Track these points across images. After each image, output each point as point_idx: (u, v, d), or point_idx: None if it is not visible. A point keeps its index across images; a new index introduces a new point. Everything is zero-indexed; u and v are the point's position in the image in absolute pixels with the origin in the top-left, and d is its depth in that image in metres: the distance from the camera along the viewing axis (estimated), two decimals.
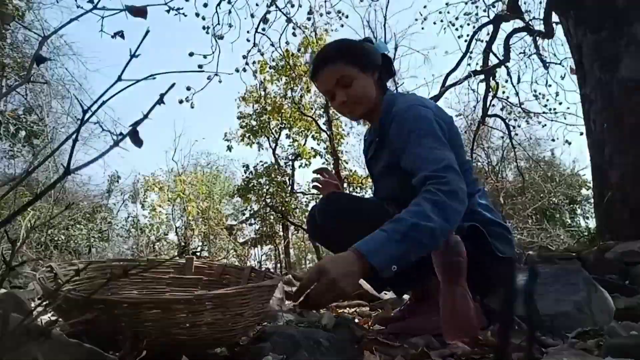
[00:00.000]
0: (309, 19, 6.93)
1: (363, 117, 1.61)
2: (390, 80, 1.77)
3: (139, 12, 0.66)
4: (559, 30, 5.40)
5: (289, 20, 6.16)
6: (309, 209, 1.77)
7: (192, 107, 5.85)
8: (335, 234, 1.46)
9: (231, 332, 1.00)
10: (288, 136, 12.08)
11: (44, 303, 0.76)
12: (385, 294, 2.59)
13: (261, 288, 1.05)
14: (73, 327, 0.92)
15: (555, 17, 5.30)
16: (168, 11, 4.89)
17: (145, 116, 0.54)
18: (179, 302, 0.91)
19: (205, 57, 5.46)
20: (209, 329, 0.95)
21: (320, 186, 1.79)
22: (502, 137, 9.81)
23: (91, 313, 0.88)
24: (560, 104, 7.30)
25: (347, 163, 12.03)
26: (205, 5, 5.77)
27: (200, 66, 5.29)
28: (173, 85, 0.56)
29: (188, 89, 5.68)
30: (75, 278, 1.17)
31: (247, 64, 6.41)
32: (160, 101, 0.56)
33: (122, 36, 0.70)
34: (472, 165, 1.56)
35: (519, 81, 7.07)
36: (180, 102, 5.79)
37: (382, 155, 1.55)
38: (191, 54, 5.50)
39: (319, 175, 1.81)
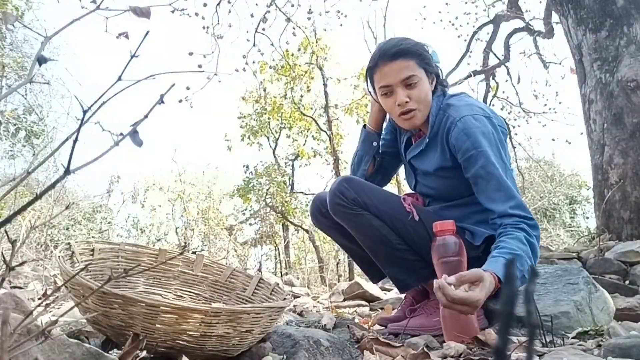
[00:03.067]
0: (309, 18, 6.93)
1: (419, 125, 1.50)
2: None
3: (143, 13, 0.66)
4: (559, 30, 5.40)
5: (288, 20, 6.15)
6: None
7: (192, 107, 5.85)
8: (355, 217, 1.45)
9: (237, 347, 1.01)
10: (288, 136, 12.08)
11: (62, 284, 0.76)
12: (386, 293, 2.59)
13: (273, 308, 1.04)
14: (86, 312, 0.93)
15: (555, 17, 5.30)
16: (173, 12, 4.89)
17: (145, 116, 0.54)
18: (196, 312, 0.91)
19: (205, 56, 5.46)
20: (217, 341, 0.95)
21: None
22: None
23: (108, 305, 0.88)
24: (560, 103, 7.30)
25: (347, 163, 12.02)
26: (205, 5, 5.77)
27: (200, 66, 5.29)
28: (173, 85, 0.56)
29: (188, 88, 5.68)
30: (89, 259, 1.18)
31: (246, 63, 6.41)
32: (160, 101, 0.56)
33: (127, 37, 0.70)
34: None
35: (518, 81, 7.07)
36: (180, 101, 5.79)
37: (431, 155, 1.50)
38: (191, 54, 5.50)
39: None
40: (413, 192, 1.65)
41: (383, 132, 1.73)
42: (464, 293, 1.08)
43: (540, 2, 6.31)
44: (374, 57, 1.47)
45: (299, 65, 10.30)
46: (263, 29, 6.27)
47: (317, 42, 9.37)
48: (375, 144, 1.69)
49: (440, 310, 1.24)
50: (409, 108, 1.43)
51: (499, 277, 1.15)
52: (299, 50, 9.82)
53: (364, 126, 1.71)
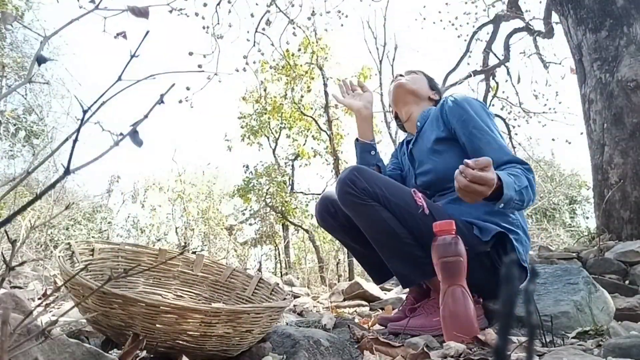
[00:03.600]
0: (309, 18, 6.93)
1: (400, 94, 1.79)
2: None
3: (142, 12, 0.66)
4: (559, 30, 5.40)
5: (291, 22, 6.14)
6: (313, 205, 1.79)
7: (192, 107, 5.85)
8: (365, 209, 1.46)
9: (237, 347, 1.00)
10: (288, 136, 12.08)
11: (61, 284, 0.76)
12: (386, 293, 2.59)
13: (273, 309, 1.04)
14: (86, 312, 0.93)
15: (555, 17, 5.30)
16: (170, 11, 4.89)
17: (145, 116, 0.54)
18: (196, 312, 0.91)
19: (205, 56, 5.46)
20: (217, 341, 0.95)
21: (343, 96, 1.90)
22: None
23: (108, 305, 0.88)
24: (560, 103, 7.30)
25: (347, 163, 12.02)
26: (205, 5, 5.77)
27: (199, 66, 5.29)
28: (173, 85, 0.56)
29: (188, 89, 5.68)
30: (89, 258, 1.18)
31: (247, 63, 6.41)
32: (160, 101, 0.56)
33: (125, 37, 0.70)
34: None
35: (518, 81, 7.07)
36: (180, 101, 5.79)
37: (426, 135, 1.67)
38: (191, 54, 5.50)
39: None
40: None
41: (389, 167, 1.86)
42: (481, 172, 1.19)
43: (540, 2, 6.31)
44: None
45: (300, 65, 10.30)
46: (263, 29, 6.27)
47: (317, 42, 9.37)
48: (373, 152, 1.76)
49: (440, 310, 1.24)
50: (401, 79, 1.81)
51: (499, 177, 1.26)
52: (299, 50, 9.81)
53: (357, 140, 1.82)
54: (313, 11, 6.50)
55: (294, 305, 2.09)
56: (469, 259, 1.27)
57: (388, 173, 1.79)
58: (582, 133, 3.94)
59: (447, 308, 1.22)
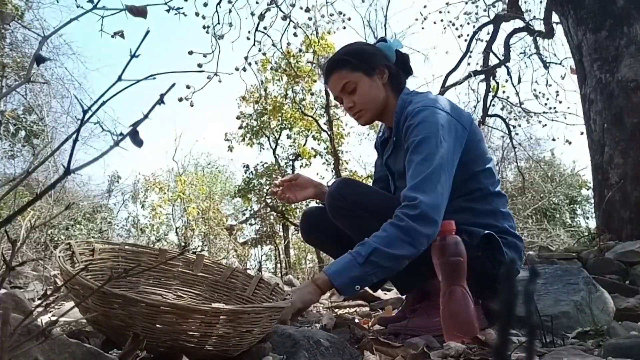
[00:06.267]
0: (310, 18, 6.92)
1: (372, 122, 1.60)
2: None
3: (139, 12, 0.66)
4: (559, 30, 5.40)
5: (285, 18, 6.13)
6: (313, 205, 1.76)
7: (192, 106, 5.84)
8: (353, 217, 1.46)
9: (237, 347, 1.00)
10: (289, 136, 12.08)
11: (62, 284, 0.76)
12: (386, 293, 2.59)
13: (273, 309, 1.04)
14: (86, 312, 0.93)
15: (555, 17, 5.30)
16: (168, 11, 4.89)
17: (146, 116, 0.54)
18: (196, 312, 0.91)
19: (205, 56, 5.46)
20: (217, 341, 0.95)
21: (279, 192, 1.69)
22: (502, 137, 9.79)
23: (108, 305, 0.88)
24: (560, 102, 7.29)
25: (347, 163, 12.03)
26: (206, 4, 5.77)
27: (199, 65, 5.29)
28: (173, 85, 0.56)
29: (188, 87, 5.68)
30: (89, 259, 1.18)
31: (249, 64, 6.40)
32: (160, 101, 0.56)
33: (122, 36, 0.70)
34: (492, 160, 1.56)
35: (519, 81, 7.07)
36: (180, 100, 5.78)
37: (400, 154, 1.52)
38: (190, 53, 5.50)
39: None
40: None
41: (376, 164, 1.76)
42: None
43: (541, 2, 6.31)
44: (323, 77, 1.63)
45: (301, 66, 10.30)
46: (265, 27, 6.27)
47: (318, 42, 9.37)
48: None
49: (440, 310, 1.24)
50: (355, 111, 1.54)
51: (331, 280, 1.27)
52: (300, 51, 9.81)
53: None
54: (307, 7, 6.48)
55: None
56: None
57: (378, 175, 1.75)
58: (582, 133, 3.94)
59: (447, 308, 1.22)
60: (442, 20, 7.35)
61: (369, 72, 1.51)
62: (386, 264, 1.28)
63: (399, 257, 1.28)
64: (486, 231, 1.39)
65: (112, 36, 0.69)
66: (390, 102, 1.54)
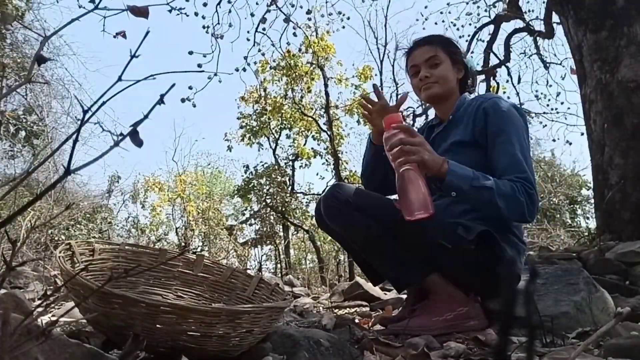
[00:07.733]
0: (309, 19, 6.93)
1: (434, 100, 1.70)
2: None
3: (141, 12, 0.66)
4: (559, 30, 5.41)
5: (287, 20, 6.14)
6: (313, 205, 1.77)
7: (194, 107, 5.85)
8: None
9: (237, 347, 1.00)
10: (288, 136, 12.07)
11: (62, 284, 0.76)
12: (386, 294, 2.59)
13: (273, 309, 1.04)
14: (86, 312, 0.93)
15: (555, 17, 5.30)
16: (170, 11, 4.89)
17: (146, 116, 0.54)
18: (196, 312, 0.91)
19: (204, 56, 5.46)
20: (217, 341, 0.95)
21: (369, 112, 1.76)
22: None
23: (108, 305, 0.88)
24: (562, 103, 7.30)
25: (347, 163, 12.02)
26: (205, 4, 5.77)
27: (199, 65, 5.30)
28: (173, 85, 0.56)
29: (190, 88, 5.68)
30: (90, 259, 1.18)
31: (248, 64, 6.41)
32: (161, 101, 0.56)
33: (124, 36, 0.70)
34: None
35: (519, 81, 7.08)
36: (183, 100, 5.78)
37: (452, 132, 1.62)
38: (191, 53, 5.51)
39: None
40: None
41: None
42: (410, 138, 1.31)
43: (544, 2, 6.31)
44: (410, 45, 1.74)
45: (301, 65, 10.29)
46: (264, 29, 6.27)
47: (318, 42, 9.36)
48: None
49: (396, 180, 1.31)
50: (429, 82, 1.65)
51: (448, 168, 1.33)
52: (300, 51, 9.81)
53: (371, 141, 1.81)
54: (309, 9, 6.49)
55: (294, 306, 2.09)
56: (453, 257, 1.38)
57: None
58: (582, 133, 3.94)
59: (402, 190, 1.30)
60: (443, 21, 7.38)
61: (454, 61, 1.68)
62: (486, 202, 1.35)
63: (498, 207, 1.34)
64: (484, 228, 1.40)
65: (114, 36, 0.69)
66: (454, 94, 1.69)
